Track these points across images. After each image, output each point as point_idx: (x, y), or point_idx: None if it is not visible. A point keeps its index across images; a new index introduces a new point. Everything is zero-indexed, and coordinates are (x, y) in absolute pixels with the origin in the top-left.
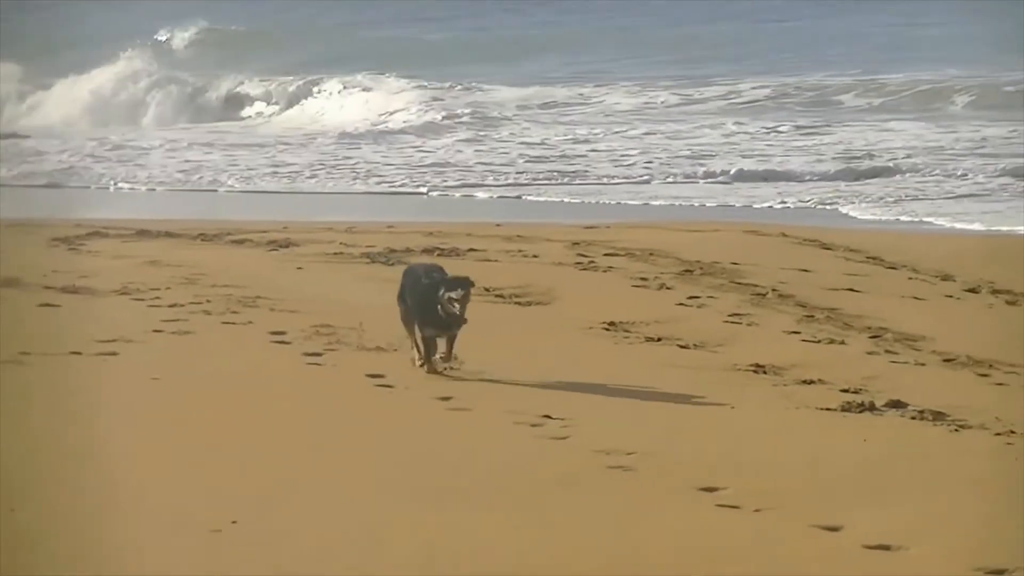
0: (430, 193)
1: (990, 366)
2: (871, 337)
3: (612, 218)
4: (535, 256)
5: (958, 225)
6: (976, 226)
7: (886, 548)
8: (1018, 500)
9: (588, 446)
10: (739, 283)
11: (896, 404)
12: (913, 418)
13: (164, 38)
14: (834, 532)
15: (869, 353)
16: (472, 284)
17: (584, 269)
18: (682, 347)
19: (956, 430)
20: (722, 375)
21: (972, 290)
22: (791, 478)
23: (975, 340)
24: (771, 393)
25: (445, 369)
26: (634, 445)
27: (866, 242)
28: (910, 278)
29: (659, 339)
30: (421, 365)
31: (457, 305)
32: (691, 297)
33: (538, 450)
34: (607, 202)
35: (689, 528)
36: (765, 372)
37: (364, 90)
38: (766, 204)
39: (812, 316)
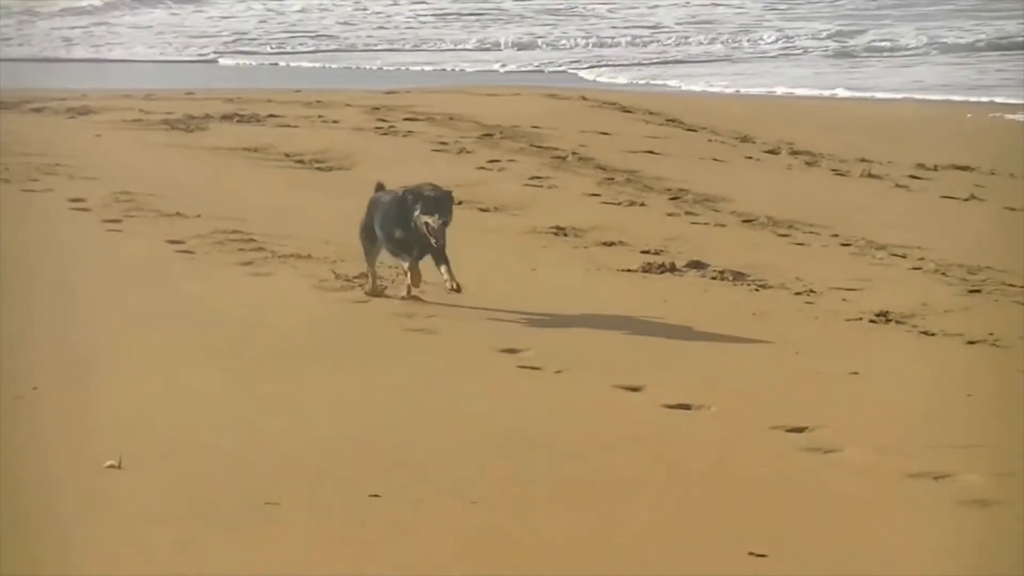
0: (220, 61)
1: (790, 227)
2: (671, 199)
3: (412, 83)
4: (335, 122)
5: (754, 90)
6: (780, 90)
7: (686, 407)
8: (817, 359)
9: (387, 309)
10: (539, 146)
11: (696, 264)
12: (713, 278)
13: None
14: (635, 392)
15: (669, 215)
16: (452, 200)
17: (384, 134)
18: (482, 210)
19: (756, 290)
20: (522, 238)
21: (772, 151)
22: (592, 339)
23: (775, 201)
24: (572, 255)
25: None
26: (434, 309)
27: (666, 104)
28: (710, 140)
29: (460, 203)
30: (376, 292)
31: (433, 234)
32: (491, 161)
33: (341, 314)
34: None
35: (492, 389)
36: (566, 235)
37: None
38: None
39: (612, 179)
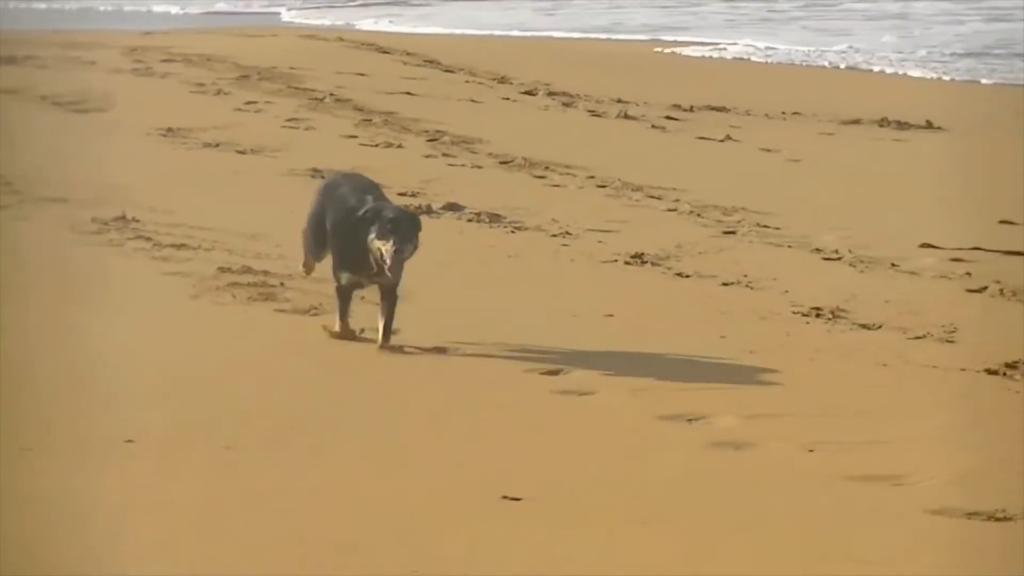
0: None
1: (546, 168)
2: (428, 140)
3: (169, 25)
4: (92, 63)
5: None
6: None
7: (442, 350)
8: (572, 301)
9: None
10: (296, 88)
11: (453, 206)
12: (470, 220)
13: None
14: (392, 335)
15: (426, 156)
16: (419, 226)
17: (141, 75)
18: (240, 152)
19: (512, 232)
20: (280, 180)
21: (529, 92)
22: None
23: (531, 142)
24: None
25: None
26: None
27: (424, 45)
28: (467, 81)
29: (217, 144)
30: (337, 333)
31: (387, 262)
32: (248, 102)
33: (96, 257)
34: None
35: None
36: (323, 176)
37: None
38: None
39: (370, 120)
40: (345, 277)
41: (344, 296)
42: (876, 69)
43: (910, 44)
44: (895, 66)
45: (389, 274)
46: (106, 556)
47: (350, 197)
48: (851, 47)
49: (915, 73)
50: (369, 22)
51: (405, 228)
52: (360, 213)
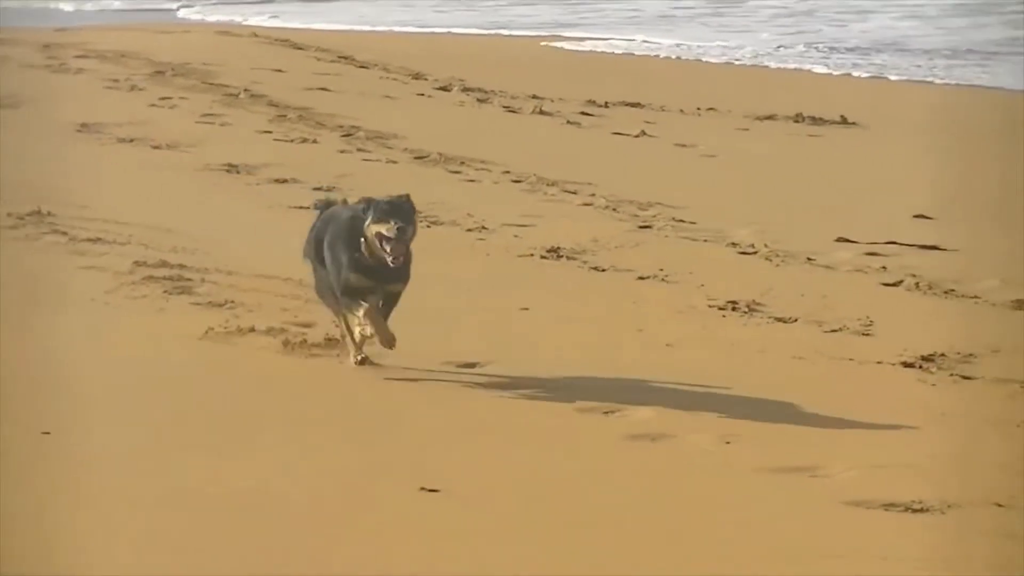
0: None
1: (462, 163)
2: (343, 136)
3: (83, 21)
4: (5, 58)
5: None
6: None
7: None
8: (488, 295)
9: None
10: (211, 84)
11: (368, 201)
12: None
13: None
14: (306, 328)
15: (341, 152)
16: (414, 209)
17: (56, 72)
18: (155, 147)
19: (428, 226)
20: (195, 175)
21: (444, 88)
22: (270, 278)
23: (447, 137)
24: (244, 192)
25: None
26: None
27: (338, 41)
28: (382, 77)
29: (132, 140)
30: (360, 361)
31: (390, 246)
32: (163, 98)
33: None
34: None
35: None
36: (238, 171)
37: None
38: None
39: (284, 115)
40: (353, 279)
41: (350, 308)
42: (780, 66)
43: (812, 40)
44: (799, 62)
45: (392, 261)
46: (21, 551)
47: (342, 212)
48: (747, 45)
49: (820, 69)
50: (263, 18)
51: (404, 209)
52: (352, 213)
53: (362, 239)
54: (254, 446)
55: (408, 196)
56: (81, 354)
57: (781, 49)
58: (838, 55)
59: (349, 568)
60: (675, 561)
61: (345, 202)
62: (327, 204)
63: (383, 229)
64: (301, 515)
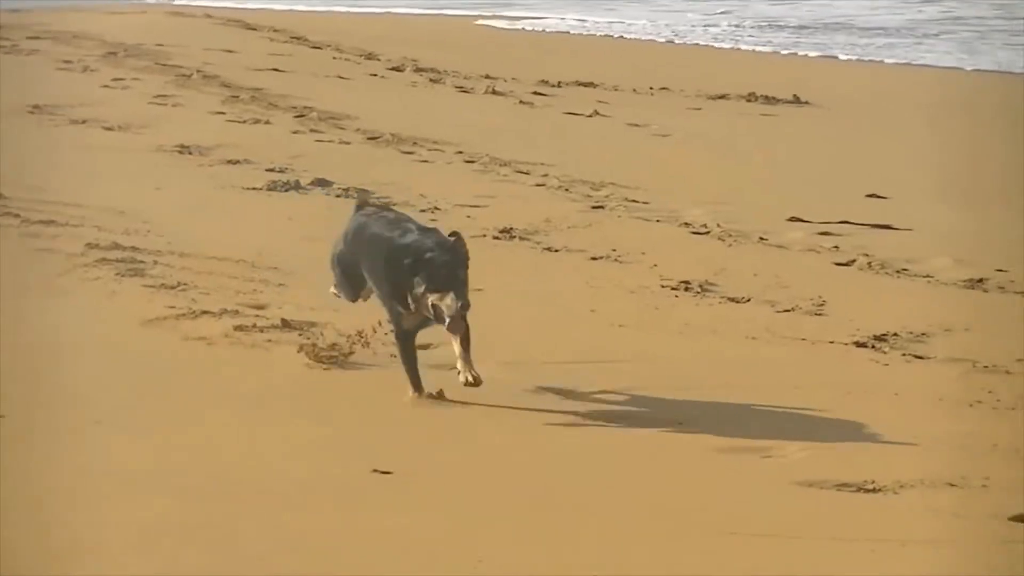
0: None
1: (414, 144)
2: (296, 116)
3: (36, 2)
4: None
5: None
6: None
7: (312, 324)
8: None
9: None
10: (164, 64)
11: (321, 182)
12: (338, 196)
13: None
14: (259, 310)
15: (294, 132)
16: (466, 254)
17: (8, 53)
18: (107, 129)
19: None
20: (147, 156)
21: (396, 68)
22: (222, 260)
23: (399, 118)
24: (197, 173)
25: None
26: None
27: (291, 22)
28: (335, 58)
29: (84, 121)
30: (425, 394)
31: (448, 322)
32: (116, 79)
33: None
34: None
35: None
36: (191, 153)
37: None
38: None
39: (237, 96)
40: (408, 325)
41: (406, 344)
42: (722, 45)
43: (741, 19)
44: (734, 41)
45: (449, 328)
46: None
47: (382, 235)
48: (676, 23)
49: (765, 49)
50: None
51: (459, 276)
52: (395, 245)
53: (408, 296)
54: (204, 424)
55: (461, 239)
56: (34, 337)
57: (709, 28)
58: (775, 32)
59: (301, 540)
60: (625, 541)
61: (382, 207)
62: (363, 203)
63: (440, 303)
64: (251, 491)
